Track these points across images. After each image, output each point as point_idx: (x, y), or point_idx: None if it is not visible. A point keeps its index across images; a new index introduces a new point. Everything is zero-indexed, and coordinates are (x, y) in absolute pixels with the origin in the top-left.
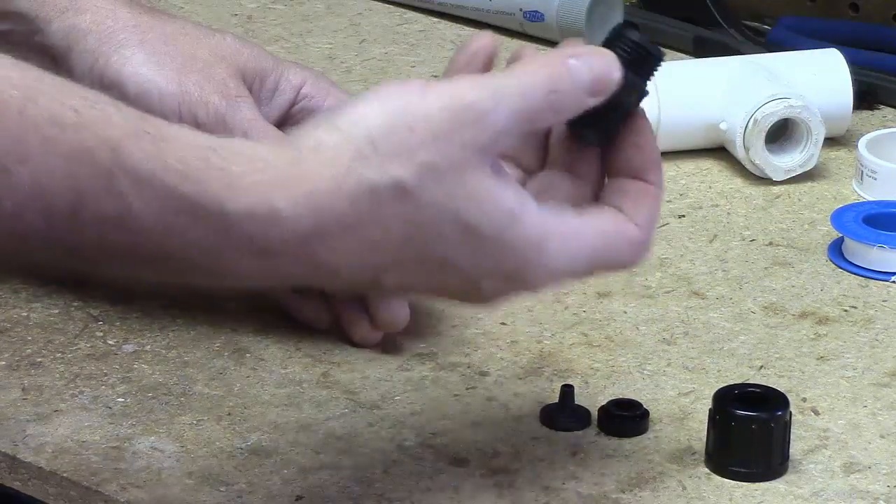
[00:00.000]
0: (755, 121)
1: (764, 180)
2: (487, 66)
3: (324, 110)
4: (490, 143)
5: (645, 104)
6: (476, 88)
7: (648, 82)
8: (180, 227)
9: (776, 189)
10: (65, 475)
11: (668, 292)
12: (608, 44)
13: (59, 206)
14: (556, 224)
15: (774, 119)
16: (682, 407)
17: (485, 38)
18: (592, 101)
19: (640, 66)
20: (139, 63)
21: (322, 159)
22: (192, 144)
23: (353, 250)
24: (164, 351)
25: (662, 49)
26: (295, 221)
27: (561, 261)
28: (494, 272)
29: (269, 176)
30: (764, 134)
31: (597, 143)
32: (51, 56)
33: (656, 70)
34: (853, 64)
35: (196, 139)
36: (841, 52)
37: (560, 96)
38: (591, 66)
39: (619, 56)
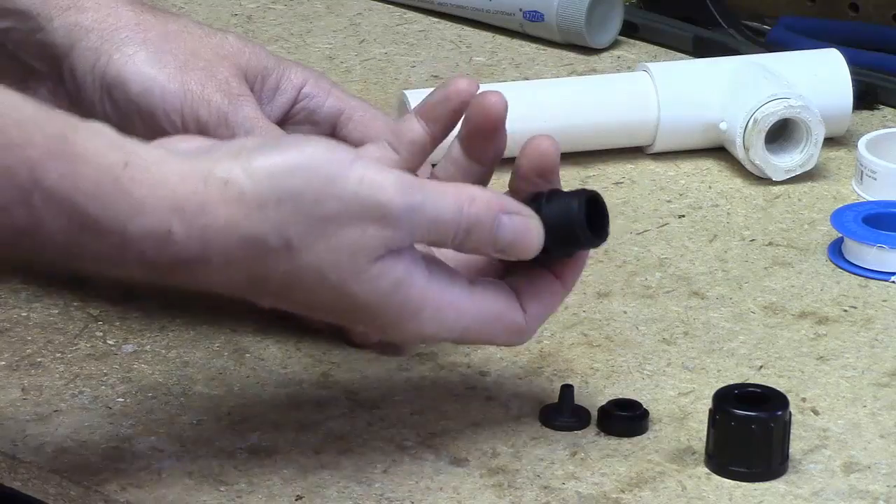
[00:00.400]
0: (755, 121)
1: (764, 180)
2: (460, 111)
3: (324, 110)
4: (387, 242)
5: (644, 105)
6: (398, 193)
7: (579, 247)
8: (84, 241)
9: (776, 189)
10: (65, 475)
11: (668, 292)
12: (561, 196)
13: None
14: (438, 295)
15: (774, 119)
16: (682, 407)
17: (463, 84)
18: (498, 256)
19: (581, 232)
20: (141, 61)
21: (226, 197)
22: (105, 163)
23: (233, 280)
24: (164, 351)
25: (608, 234)
26: (184, 247)
27: (431, 327)
28: (368, 324)
29: (170, 202)
30: (764, 134)
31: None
32: (52, 54)
33: (587, 245)
34: (853, 64)
35: (109, 155)
36: (841, 52)
37: (470, 238)
38: (515, 234)
39: (564, 213)
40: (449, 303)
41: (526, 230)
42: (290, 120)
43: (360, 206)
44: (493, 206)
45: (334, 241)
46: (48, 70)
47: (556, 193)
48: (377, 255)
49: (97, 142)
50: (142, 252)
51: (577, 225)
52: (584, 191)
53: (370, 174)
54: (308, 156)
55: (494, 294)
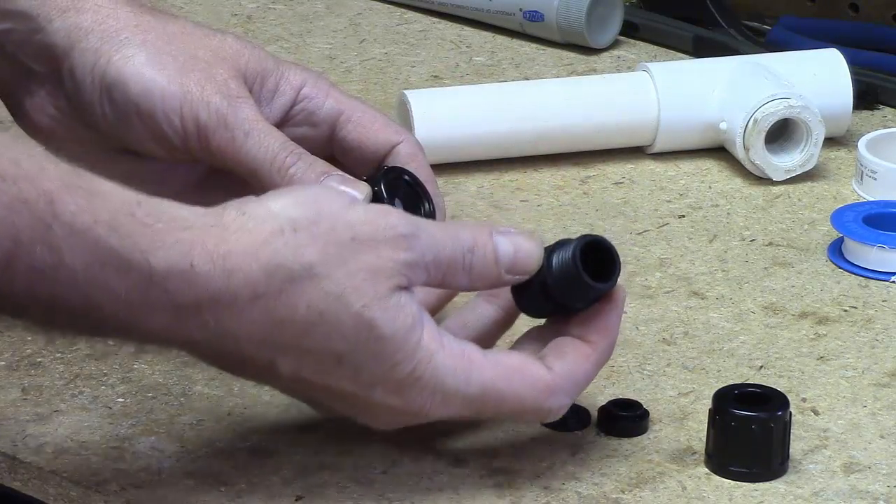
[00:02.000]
0: (755, 121)
1: (764, 180)
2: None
3: (323, 111)
4: (401, 266)
5: (644, 105)
6: (401, 217)
7: (596, 287)
8: (106, 278)
9: (776, 189)
10: (65, 475)
11: (668, 292)
12: (566, 245)
13: None
14: (451, 345)
15: (774, 119)
16: (682, 407)
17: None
18: (509, 279)
19: (593, 269)
20: (141, 63)
21: (244, 226)
22: (119, 199)
23: (257, 322)
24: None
25: (615, 275)
26: (208, 279)
27: (450, 380)
28: (387, 379)
29: (189, 234)
30: (764, 134)
31: (533, 315)
32: (51, 55)
33: (608, 278)
34: (853, 64)
35: (123, 194)
36: (841, 52)
37: (475, 260)
38: (515, 245)
39: (572, 253)
40: (462, 352)
41: (524, 241)
42: (289, 121)
43: (371, 229)
44: (483, 226)
45: (352, 265)
46: (47, 71)
47: (561, 243)
48: (395, 282)
49: (107, 182)
50: (166, 291)
51: (576, 269)
52: (585, 236)
53: (370, 207)
54: (315, 193)
55: (508, 353)
